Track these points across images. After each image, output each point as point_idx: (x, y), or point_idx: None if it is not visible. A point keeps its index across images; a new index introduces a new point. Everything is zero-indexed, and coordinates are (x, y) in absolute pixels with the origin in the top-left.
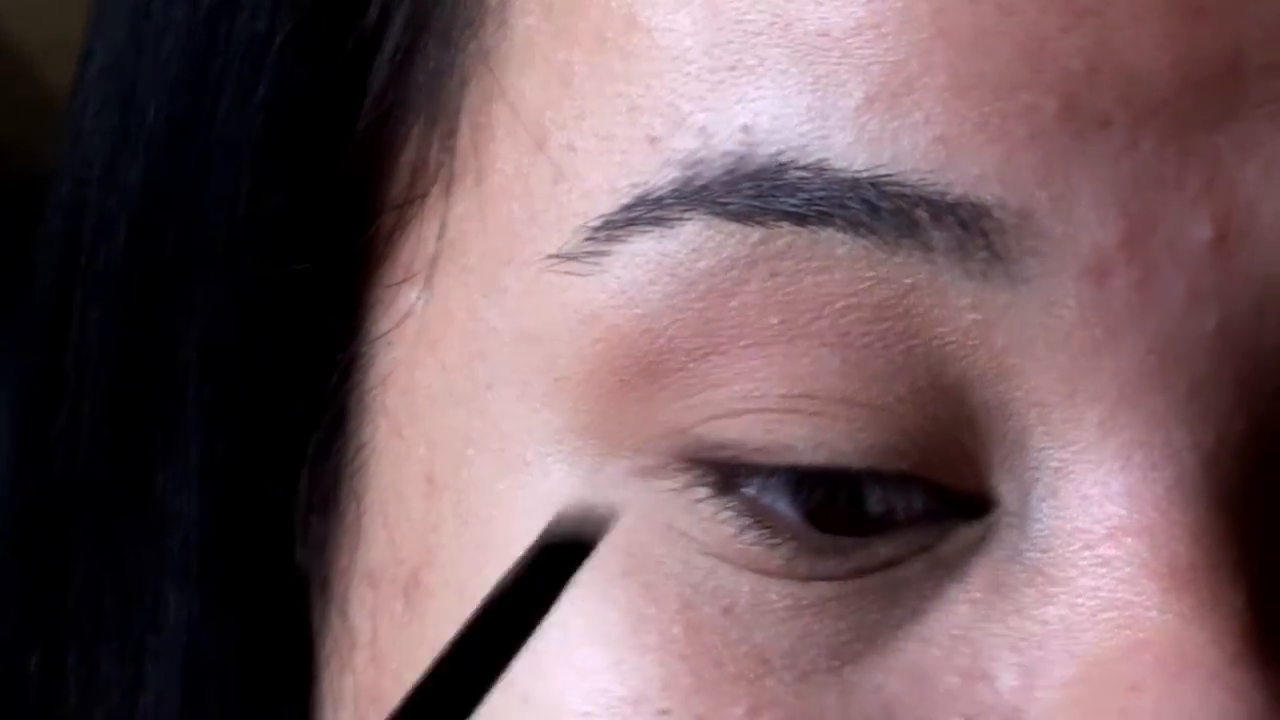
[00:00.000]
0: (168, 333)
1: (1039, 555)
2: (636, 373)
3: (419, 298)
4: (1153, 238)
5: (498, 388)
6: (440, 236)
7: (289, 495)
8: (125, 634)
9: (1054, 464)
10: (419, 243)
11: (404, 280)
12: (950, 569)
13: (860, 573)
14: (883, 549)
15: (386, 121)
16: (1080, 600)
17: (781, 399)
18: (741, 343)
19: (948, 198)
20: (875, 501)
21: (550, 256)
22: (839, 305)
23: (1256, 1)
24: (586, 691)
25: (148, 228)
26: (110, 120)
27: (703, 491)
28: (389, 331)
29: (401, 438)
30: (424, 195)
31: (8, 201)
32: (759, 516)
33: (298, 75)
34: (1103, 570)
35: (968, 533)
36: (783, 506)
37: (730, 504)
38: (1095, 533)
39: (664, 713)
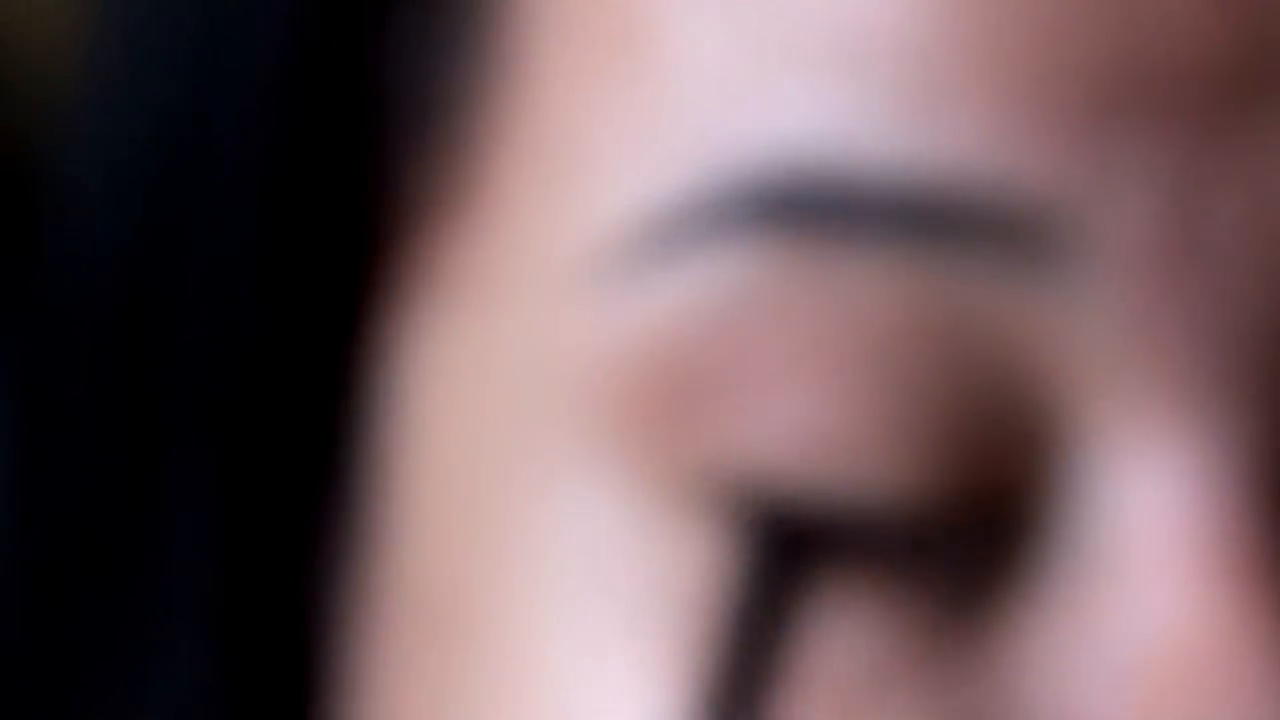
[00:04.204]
0: (163, 382)
1: (1089, 565)
2: (668, 404)
3: (432, 329)
4: (1195, 229)
5: (527, 412)
6: (455, 264)
7: (301, 539)
8: (130, 691)
9: (1103, 469)
10: (431, 272)
11: (415, 312)
12: (999, 588)
13: (906, 601)
14: (929, 574)
15: (393, 146)
16: (1132, 609)
17: (814, 447)
18: (773, 380)
19: (987, 199)
20: (915, 547)
21: (577, 276)
22: (879, 331)
23: None
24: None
25: (141, 275)
26: (102, 167)
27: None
28: (400, 366)
29: (420, 472)
30: (435, 222)
31: (7, 200)
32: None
33: (297, 104)
34: (1154, 576)
35: (1017, 549)
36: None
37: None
38: (1146, 537)
39: None
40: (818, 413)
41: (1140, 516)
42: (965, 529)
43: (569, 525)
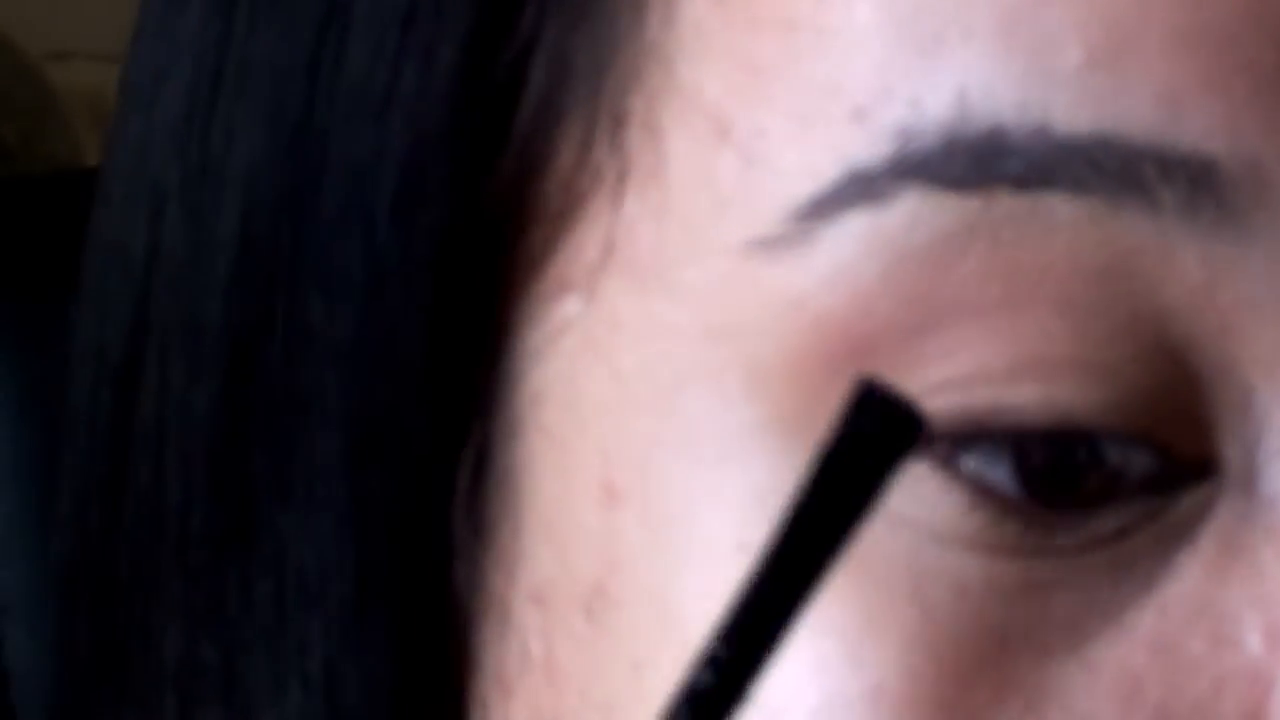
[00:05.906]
0: (302, 374)
1: (1269, 515)
2: (847, 356)
3: (577, 307)
4: None
5: (687, 387)
6: (605, 242)
7: (441, 526)
8: (268, 685)
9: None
10: (578, 251)
11: (559, 291)
12: (1179, 535)
13: (1089, 547)
14: (1110, 520)
15: (543, 130)
16: None
17: (1007, 366)
18: (962, 315)
19: (1175, 153)
20: (1105, 461)
21: (748, 244)
22: (1062, 270)
23: None
24: (822, 688)
25: (263, 260)
26: (226, 163)
27: (923, 471)
28: (541, 346)
29: (566, 451)
30: (584, 202)
31: (8, 202)
32: (983, 494)
33: (446, 98)
34: None
35: (1195, 496)
36: (1007, 479)
37: (954, 483)
38: None
39: (905, 702)
40: (999, 354)
41: None
42: (1139, 459)
43: (729, 498)
